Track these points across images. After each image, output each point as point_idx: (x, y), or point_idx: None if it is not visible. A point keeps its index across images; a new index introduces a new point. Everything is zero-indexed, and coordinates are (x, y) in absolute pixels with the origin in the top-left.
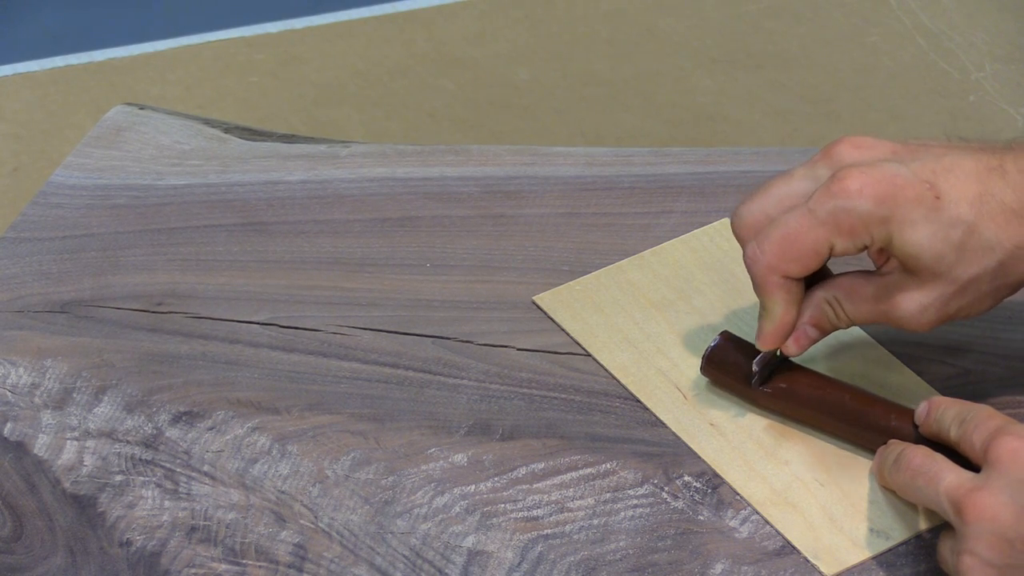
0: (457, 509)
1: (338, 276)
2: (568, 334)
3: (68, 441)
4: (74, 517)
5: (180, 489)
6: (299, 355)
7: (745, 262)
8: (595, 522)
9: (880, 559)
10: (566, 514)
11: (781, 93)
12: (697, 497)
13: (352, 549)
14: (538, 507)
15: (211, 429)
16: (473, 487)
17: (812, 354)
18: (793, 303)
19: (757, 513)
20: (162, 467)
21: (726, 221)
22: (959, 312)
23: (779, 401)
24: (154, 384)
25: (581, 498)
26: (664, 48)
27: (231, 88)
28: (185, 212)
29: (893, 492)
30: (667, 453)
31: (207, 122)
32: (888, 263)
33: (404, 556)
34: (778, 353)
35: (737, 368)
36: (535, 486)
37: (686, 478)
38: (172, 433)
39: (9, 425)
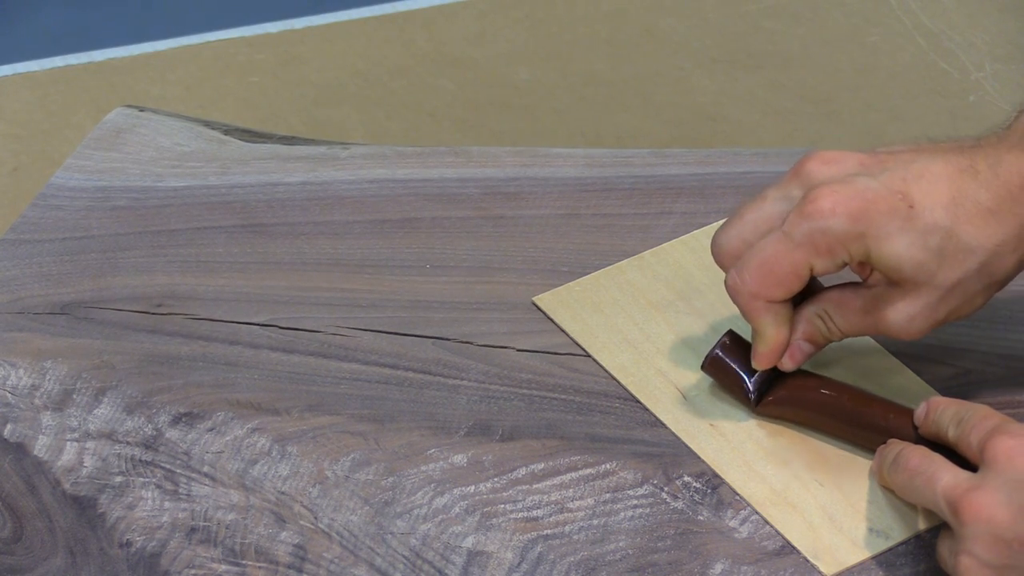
0: (457, 510)
1: (338, 277)
2: (568, 335)
3: (68, 442)
4: (74, 518)
5: (180, 490)
6: (299, 356)
7: (728, 291)
8: (595, 522)
9: (880, 559)
10: (566, 514)
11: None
12: (697, 497)
13: (352, 550)
14: (538, 507)
15: (211, 430)
16: (473, 488)
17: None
18: (783, 323)
19: (757, 513)
20: (162, 468)
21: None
22: (949, 315)
23: (779, 408)
24: (154, 385)
25: (581, 498)
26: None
27: (231, 88)
28: (185, 214)
29: (893, 492)
30: (667, 453)
31: (207, 124)
32: (872, 275)
33: (404, 557)
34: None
35: (739, 378)
36: (535, 486)
37: (686, 478)
38: (172, 434)
39: (9, 426)
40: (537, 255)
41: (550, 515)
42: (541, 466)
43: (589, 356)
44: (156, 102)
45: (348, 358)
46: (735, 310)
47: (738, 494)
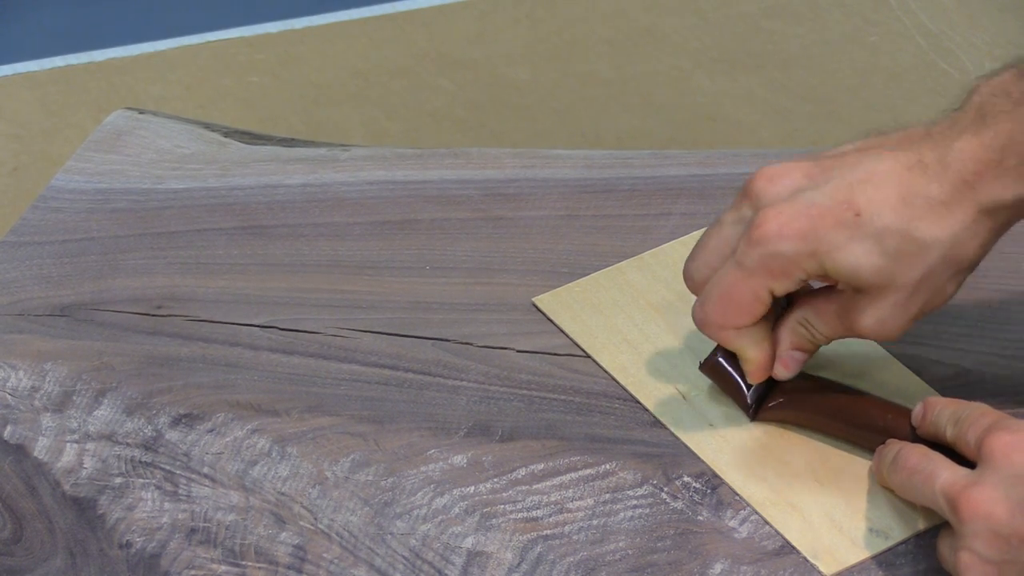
0: (457, 510)
1: (338, 279)
2: (568, 335)
3: (68, 444)
4: (74, 519)
5: (180, 491)
6: (299, 357)
7: (695, 324)
8: (594, 523)
9: (879, 559)
10: (565, 515)
11: (781, 93)
12: (696, 497)
13: (352, 550)
14: (537, 508)
15: (211, 431)
16: (473, 488)
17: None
18: (760, 342)
19: (756, 513)
20: (162, 469)
21: None
22: (923, 309)
23: (778, 413)
24: (154, 387)
25: (580, 499)
26: (664, 48)
27: (231, 88)
28: (185, 216)
29: (892, 492)
30: (666, 454)
31: (207, 126)
32: (839, 282)
33: (404, 557)
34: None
35: (737, 385)
36: (534, 487)
37: (685, 478)
38: (172, 435)
39: (9, 428)
40: (537, 256)
41: (550, 515)
42: (541, 466)
43: (589, 357)
44: (156, 102)
45: (348, 359)
46: None
47: (738, 494)
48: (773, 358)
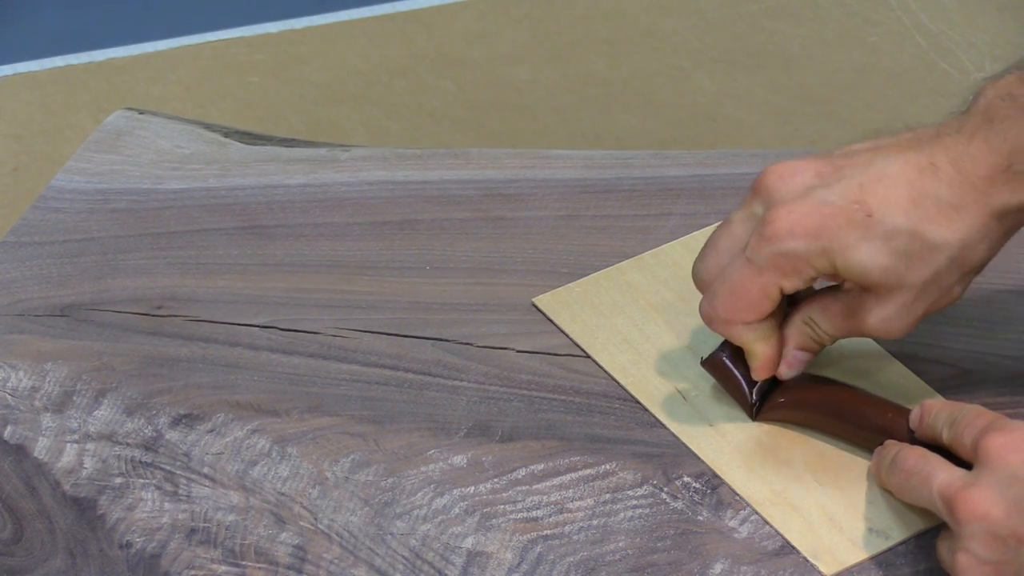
0: (457, 510)
1: (338, 279)
2: (567, 336)
3: (68, 444)
4: (74, 519)
5: (180, 491)
6: (299, 358)
7: (702, 319)
8: (594, 523)
9: (879, 559)
10: (565, 515)
11: (781, 93)
12: (696, 497)
13: (352, 550)
14: (537, 508)
15: (211, 431)
16: (472, 488)
17: None
18: (767, 337)
19: (756, 513)
20: (162, 469)
21: None
22: (928, 310)
23: (779, 412)
24: (154, 387)
25: (580, 499)
26: (664, 48)
27: (231, 88)
28: (185, 216)
29: (891, 493)
30: (666, 454)
31: (207, 126)
32: (847, 281)
33: (404, 557)
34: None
35: (740, 384)
36: (534, 487)
37: (685, 479)
38: (172, 436)
39: (9, 428)
40: (537, 256)
41: (550, 515)
42: (541, 467)
43: (589, 357)
44: (156, 102)
45: (348, 359)
46: None
47: (738, 494)
48: (780, 354)
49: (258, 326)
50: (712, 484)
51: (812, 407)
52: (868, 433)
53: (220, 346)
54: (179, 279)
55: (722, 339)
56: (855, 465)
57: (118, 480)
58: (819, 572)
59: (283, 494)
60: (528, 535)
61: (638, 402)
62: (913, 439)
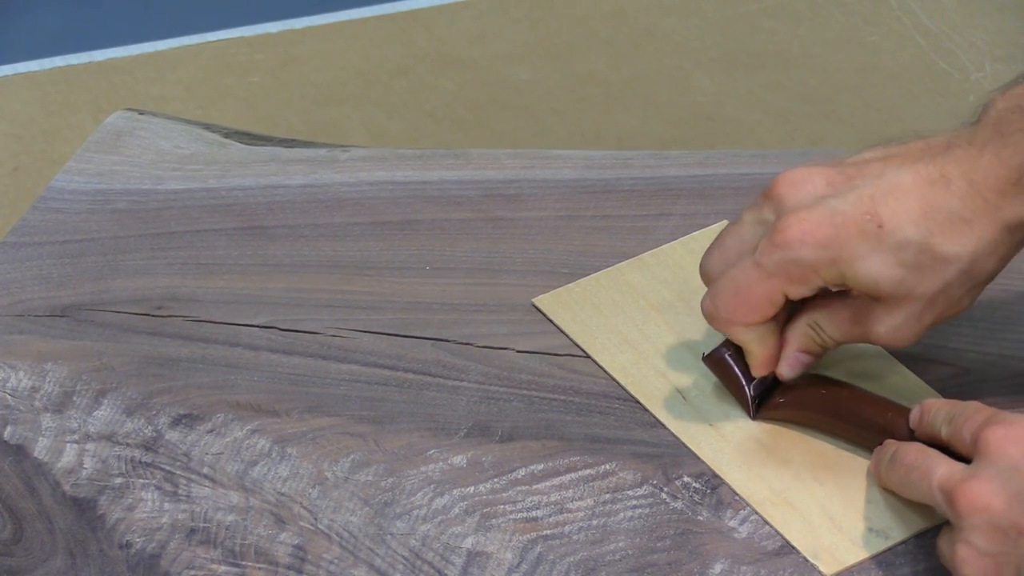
0: (456, 510)
1: (338, 279)
2: (567, 336)
3: (68, 444)
4: (74, 519)
5: (180, 491)
6: (299, 358)
7: (704, 316)
8: (594, 523)
9: (879, 558)
10: (565, 515)
11: (781, 93)
12: (696, 497)
13: (351, 550)
14: (537, 508)
15: (211, 432)
16: (472, 488)
17: None
18: (766, 338)
19: (756, 513)
20: (162, 469)
21: (725, 223)
22: (936, 320)
23: (779, 412)
24: (154, 387)
25: (580, 499)
26: (664, 48)
27: (231, 88)
28: (185, 216)
29: (892, 492)
30: (666, 454)
31: (207, 127)
32: (855, 289)
33: (403, 557)
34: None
35: (740, 383)
36: (534, 487)
37: (685, 478)
38: (172, 436)
39: (9, 428)
40: (537, 257)
41: (550, 515)
42: (540, 467)
43: (589, 357)
44: (156, 102)
45: (348, 359)
46: None
47: (738, 494)
48: (778, 355)
49: (258, 326)
50: (712, 484)
51: (812, 407)
52: (868, 433)
53: (220, 346)
54: (179, 279)
55: (723, 338)
56: (855, 465)
57: (118, 480)
58: (819, 572)
59: (283, 494)
60: (528, 535)
61: (638, 402)
62: (913, 438)
